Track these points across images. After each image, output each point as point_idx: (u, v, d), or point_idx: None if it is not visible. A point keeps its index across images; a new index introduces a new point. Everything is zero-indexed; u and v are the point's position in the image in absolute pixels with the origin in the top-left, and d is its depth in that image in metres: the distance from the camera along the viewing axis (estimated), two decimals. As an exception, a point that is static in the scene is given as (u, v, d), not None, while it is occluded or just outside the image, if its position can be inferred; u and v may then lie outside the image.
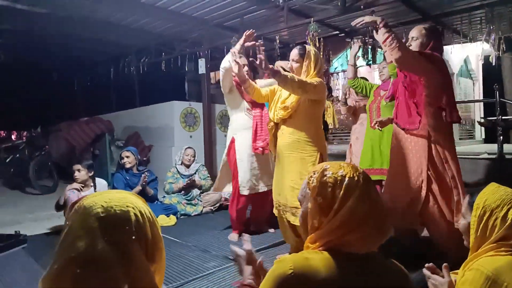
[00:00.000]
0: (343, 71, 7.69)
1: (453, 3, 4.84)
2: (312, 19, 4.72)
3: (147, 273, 0.74)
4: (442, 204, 2.32)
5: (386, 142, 3.26)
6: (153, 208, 3.91)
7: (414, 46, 2.43)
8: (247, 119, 3.14)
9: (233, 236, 3.21)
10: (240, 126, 3.16)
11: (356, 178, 0.90)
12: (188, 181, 4.21)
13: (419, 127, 2.37)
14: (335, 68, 8.16)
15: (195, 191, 4.31)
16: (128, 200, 0.79)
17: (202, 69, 6.41)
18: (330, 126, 4.87)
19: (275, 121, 2.62)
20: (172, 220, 3.80)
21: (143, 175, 3.94)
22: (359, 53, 5.27)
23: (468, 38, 5.74)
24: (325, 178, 0.92)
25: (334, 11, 4.54)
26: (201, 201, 4.27)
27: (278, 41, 5.49)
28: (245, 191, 3.09)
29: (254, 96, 2.75)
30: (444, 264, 1.29)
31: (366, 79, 3.94)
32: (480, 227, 1.16)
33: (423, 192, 2.34)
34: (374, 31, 2.35)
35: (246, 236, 1.15)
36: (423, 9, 5.11)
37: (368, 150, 3.52)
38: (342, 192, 0.88)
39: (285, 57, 6.46)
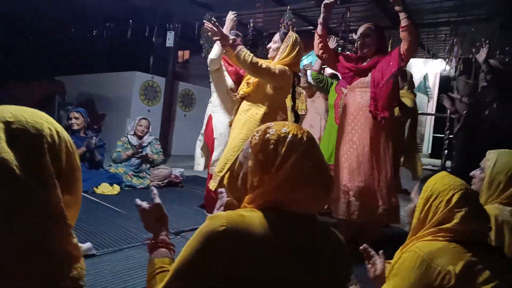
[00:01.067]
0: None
1: (423, 15, 5.01)
2: (288, 7, 4.67)
3: (54, 195, 0.64)
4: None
5: None
6: (98, 175, 3.72)
7: (368, 41, 2.51)
8: (228, 99, 3.08)
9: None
10: (219, 104, 3.09)
11: (299, 135, 0.88)
12: (138, 149, 4.02)
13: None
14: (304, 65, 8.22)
15: (145, 164, 4.13)
16: (44, 116, 0.69)
17: (170, 42, 6.18)
18: (302, 112, 4.84)
19: (240, 96, 2.64)
20: (115, 189, 3.62)
21: (90, 136, 3.72)
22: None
23: (431, 53, 6.00)
24: (267, 135, 0.89)
25: (310, 3, 4.53)
26: (149, 174, 4.10)
27: (252, 25, 5.39)
28: (214, 171, 3.00)
29: (233, 60, 2.64)
30: (381, 251, 1.33)
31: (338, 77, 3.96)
32: (425, 209, 1.17)
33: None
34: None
35: (154, 190, 1.06)
36: (394, 17, 5.24)
37: (326, 146, 3.52)
38: (284, 148, 0.85)
39: (257, 44, 6.41)
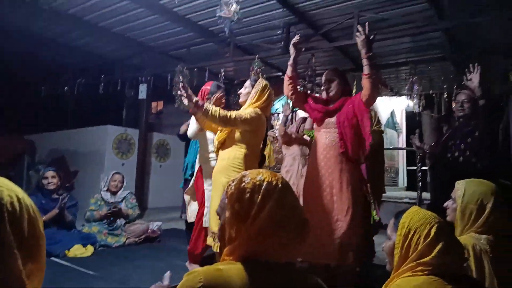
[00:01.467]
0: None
1: (383, 57, 5.34)
2: (257, 56, 4.88)
3: (14, 269, 0.59)
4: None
5: None
6: (70, 237, 3.53)
7: (333, 86, 2.62)
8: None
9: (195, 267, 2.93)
10: (209, 157, 3.01)
11: (274, 182, 0.88)
12: (113, 208, 3.87)
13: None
14: (276, 109, 8.44)
15: (120, 221, 3.97)
16: (3, 182, 0.66)
17: (142, 95, 6.23)
18: (266, 164, 4.92)
19: (216, 147, 2.67)
20: (88, 250, 3.43)
21: (62, 196, 3.56)
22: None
23: (394, 91, 6.33)
24: (243, 184, 0.89)
25: (277, 51, 4.75)
26: (125, 231, 3.93)
27: (223, 74, 5.55)
28: (207, 224, 2.89)
29: (205, 126, 2.77)
30: None
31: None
32: (405, 246, 1.17)
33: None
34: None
35: (167, 273, 1.09)
36: (357, 60, 5.56)
37: None
38: (260, 196, 0.85)
39: (229, 92, 6.56)
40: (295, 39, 2.64)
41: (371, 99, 2.45)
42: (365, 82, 2.41)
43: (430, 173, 4.49)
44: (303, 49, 2.90)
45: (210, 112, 2.36)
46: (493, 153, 2.87)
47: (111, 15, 4.62)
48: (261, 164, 2.77)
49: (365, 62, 2.40)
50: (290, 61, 2.64)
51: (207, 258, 2.95)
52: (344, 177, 2.47)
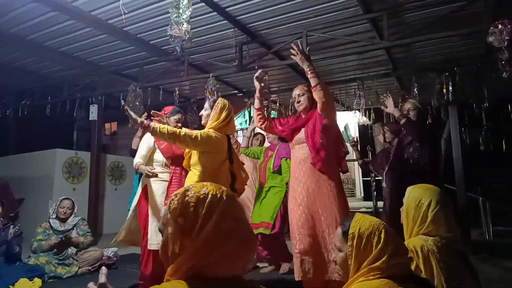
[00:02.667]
0: (242, 129, 8.04)
1: (333, 74, 5.60)
2: (211, 74, 4.91)
3: None
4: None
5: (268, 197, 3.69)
6: (14, 271, 3.26)
7: (303, 100, 2.66)
8: (165, 173, 3.00)
9: None
10: (156, 178, 2.92)
11: (219, 195, 0.88)
12: (62, 238, 3.62)
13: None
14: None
15: (70, 249, 3.72)
16: None
17: (93, 116, 5.99)
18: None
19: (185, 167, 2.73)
20: (36, 284, 3.17)
21: (11, 227, 3.29)
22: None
23: (346, 106, 6.63)
24: (187, 198, 0.87)
25: (231, 69, 4.81)
26: (77, 260, 3.69)
27: (177, 93, 5.52)
28: (153, 246, 2.78)
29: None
30: None
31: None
32: (358, 255, 1.21)
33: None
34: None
35: (103, 269, 1.02)
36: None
37: (257, 207, 3.73)
38: (204, 210, 0.85)
39: (186, 111, 6.52)
40: (257, 73, 2.72)
41: (328, 110, 2.51)
42: (315, 95, 2.49)
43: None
44: (265, 81, 3.00)
45: (158, 129, 2.37)
46: (434, 161, 3.09)
47: (57, 34, 4.47)
48: (232, 184, 2.72)
49: (309, 76, 2.49)
50: (256, 94, 2.73)
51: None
52: (324, 188, 2.49)
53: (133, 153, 3.58)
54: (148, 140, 3.03)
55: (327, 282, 2.43)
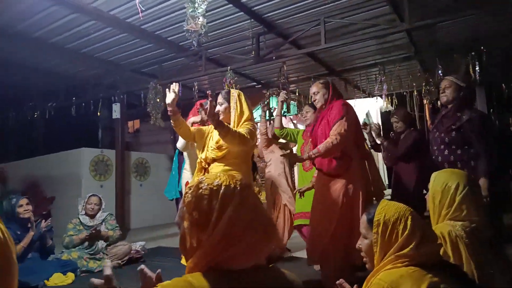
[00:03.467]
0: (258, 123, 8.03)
1: (353, 60, 5.47)
2: (229, 67, 4.90)
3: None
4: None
5: None
6: (48, 266, 3.39)
7: (319, 98, 2.69)
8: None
9: None
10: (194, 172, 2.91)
11: (232, 185, 0.85)
12: (92, 231, 3.75)
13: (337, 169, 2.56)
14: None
15: (100, 243, 3.85)
16: None
17: (116, 114, 6.13)
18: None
19: (208, 161, 2.52)
20: (69, 278, 3.30)
21: (42, 221, 3.44)
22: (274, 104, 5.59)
23: (367, 92, 6.49)
24: (200, 191, 0.85)
25: (249, 61, 4.79)
26: (107, 254, 3.81)
27: (196, 88, 5.55)
28: None
29: (181, 131, 2.61)
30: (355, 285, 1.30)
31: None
32: (383, 243, 1.19)
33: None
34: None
35: (107, 262, 0.99)
36: (328, 65, 5.68)
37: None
38: (218, 202, 0.82)
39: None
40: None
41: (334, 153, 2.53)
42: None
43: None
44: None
45: (230, 131, 2.28)
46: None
47: (78, 37, 4.57)
48: (254, 170, 2.73)
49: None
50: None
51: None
52: (329, 193, 2.55)
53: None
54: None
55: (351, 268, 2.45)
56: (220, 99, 2.61)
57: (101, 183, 6.43)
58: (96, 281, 0.92)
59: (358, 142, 2.68)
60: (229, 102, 2.58)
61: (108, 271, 0.92)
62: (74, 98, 6.52)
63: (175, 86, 2.58)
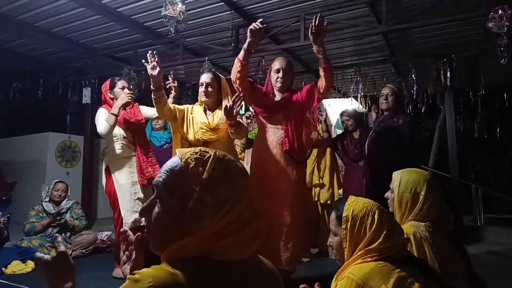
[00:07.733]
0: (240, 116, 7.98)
1: (330, 60, 5.52)
2: (206, 57, 4.83)
3: None
4: None
5: None
6: (5, 253, 3.24)
7: (286, 78, 2.63)
8: (125, 148, 2.98)
9: (118, 272, 2.82)
10: (116, 155, 2.95)
11: (247, 176, 0.85)
12: (55, 214, 3.60)
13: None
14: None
15: (64, 233, 3.71)
16: None
17: (86, 99, 5.90)
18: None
19: (199, 144, 2.46)
20: (29, 266, 3.17)
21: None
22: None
23: (342, 93, 6.59)
24: (219, 175, 0.81)
25: (228, 53, 4.74)
26: (70, 243, 3.68)
27: (172, 77, 5.42)
28: (128, 225, 2.77)
29: (163, 110, 2.51)
30: (317, 283, 1.31)
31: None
32: (352, 238, 1.20)
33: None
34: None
35: (59, 238, 0.90)
36: (305, 62, 5.72)
37: None
38: (237, 191, 0.79)
39: (181, 96, 6.43)
40: (254, 24, 2.34)
41: (327, 91, 2.54)
42: (326, 74, 2.46)
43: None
44: (260, 39, 2.67)
45: (243, 129, 2.43)
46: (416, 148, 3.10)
47: (49, 15, 4.34)
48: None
49: (321, 54, 2.45)
50: (245, 46, 2.39)
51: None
52: (291, 179, 2.51)
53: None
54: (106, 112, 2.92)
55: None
56: (207, 79, 2.55)
57: (67, 169, 6.19)
58: (44, 257, 0.85)
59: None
60: (219, 87, 2.58)
61: (62, 247, 0.86)
62: (41, 80, 6.21)
63: (155, 56, 2.50)
